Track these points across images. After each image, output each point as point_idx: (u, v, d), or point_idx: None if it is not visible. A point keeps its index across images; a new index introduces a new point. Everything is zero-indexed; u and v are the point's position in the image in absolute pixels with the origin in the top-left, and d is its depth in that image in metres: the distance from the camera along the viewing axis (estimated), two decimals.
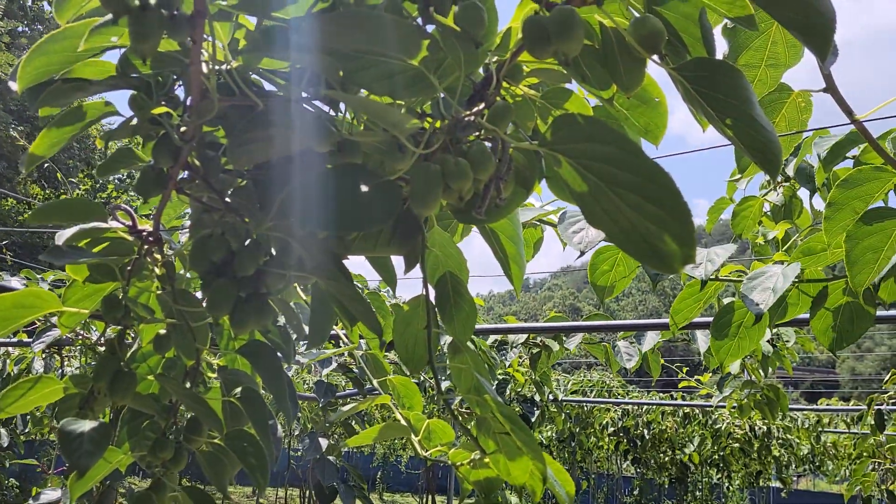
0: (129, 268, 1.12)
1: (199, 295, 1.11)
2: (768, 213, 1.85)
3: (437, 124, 0.72)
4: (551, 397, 3.70)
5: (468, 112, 0.71)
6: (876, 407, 4.20)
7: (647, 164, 0.58)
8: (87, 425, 1.02)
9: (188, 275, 1.19)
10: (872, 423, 3.90)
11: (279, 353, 1.17)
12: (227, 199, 0.97)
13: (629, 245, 0.64)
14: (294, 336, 1.14)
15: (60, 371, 3.76)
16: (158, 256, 1.12)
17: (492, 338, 2.85)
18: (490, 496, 1.08)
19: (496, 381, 2.94)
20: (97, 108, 0.96)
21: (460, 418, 1.11)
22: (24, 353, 3.53)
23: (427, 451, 1.26)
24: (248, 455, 1.11)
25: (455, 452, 1.14)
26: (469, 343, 1.07)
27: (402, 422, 1.34)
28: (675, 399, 6.71)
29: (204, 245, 0.90)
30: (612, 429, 6.49)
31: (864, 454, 4.85)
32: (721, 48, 0.81)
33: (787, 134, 0.94)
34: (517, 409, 3.12)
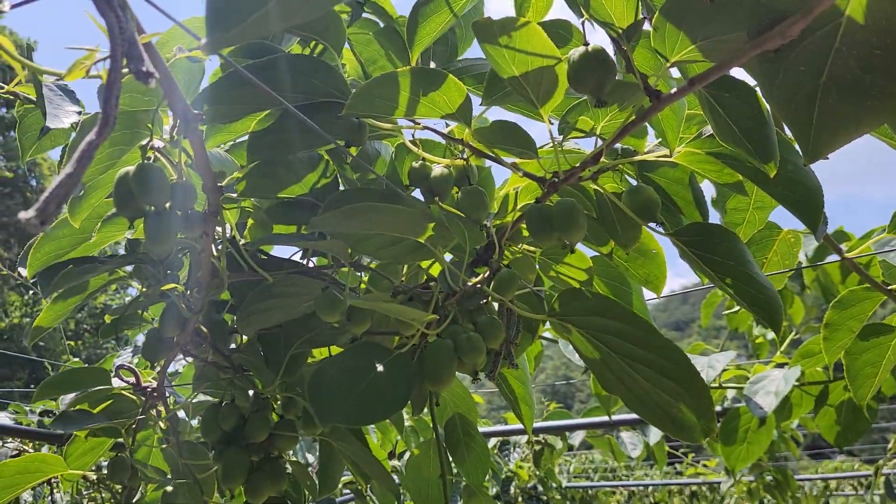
0: (133, 426, 1.12)
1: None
2: None
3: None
4: (554, 486, 3.62)
5: (474, 281, 0.73)
6: (883, 473, 4.13)
7: (658, 340, 0.60)
8: None
9: (192, 423, 1.18)
10: (882, 492, 3.83)
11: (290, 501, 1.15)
12: (233, 357, 0.98)
13: (645, 411, 0.65)
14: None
15: (50, 499, 3.65)
16: (163, 410, 1.12)
17: (493, 440, 2.81)
18: None
19: (500, 483, 2.89)
20: (102, 277, 0.97)
21: None
22: None
23: None
24: None
25: None
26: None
27: None
28: (681, 473, 6.59)
29: (215, 414, 0.89)
30: None
31: None
32: (708, 193, 0.84)
33: (780, 272, 0.98)
34: None
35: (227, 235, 0.79)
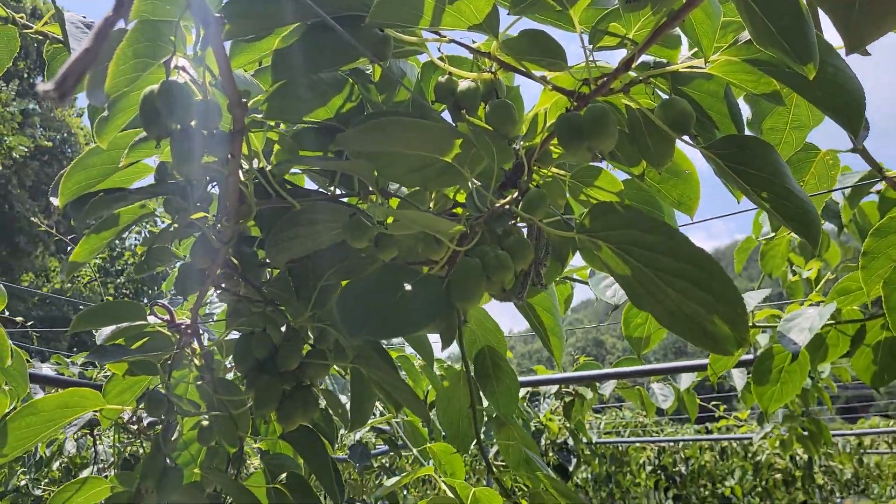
0: (169, 362, 1.13)
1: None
2: (796, 249, 1.84)
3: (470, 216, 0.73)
4: (585, 440, 3.64)
5: (503, 202, 0.72)
6: None
7: (691, 250, 0.58)
8: None
9: (227, 362, 1.20)
10: None
11: (322, 436, 1.17)
12: (264, 290, 0.99)
13: (677, 325, 0.64)
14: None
15: (94, 450, 3.76)
16: (197, 347, 1.13)
17: (523, 390, 2.82)
18: None
19: (530, 433, 2.91)
20: (134, 212, 0.98)
21: (496, 472, 1.10)
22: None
23: None
24: None
25: None
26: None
27: (448, 492, 1.32)
28: (712, 432, 6.59)
29: (247, 343, 0.90)
30: (650, 467, 6.37)
31: None
32: (744, 113, 0.81)
33: (818, 193, 0.95)
34: (553, 458, 3.08)
35: (254, 163, 0.79)
